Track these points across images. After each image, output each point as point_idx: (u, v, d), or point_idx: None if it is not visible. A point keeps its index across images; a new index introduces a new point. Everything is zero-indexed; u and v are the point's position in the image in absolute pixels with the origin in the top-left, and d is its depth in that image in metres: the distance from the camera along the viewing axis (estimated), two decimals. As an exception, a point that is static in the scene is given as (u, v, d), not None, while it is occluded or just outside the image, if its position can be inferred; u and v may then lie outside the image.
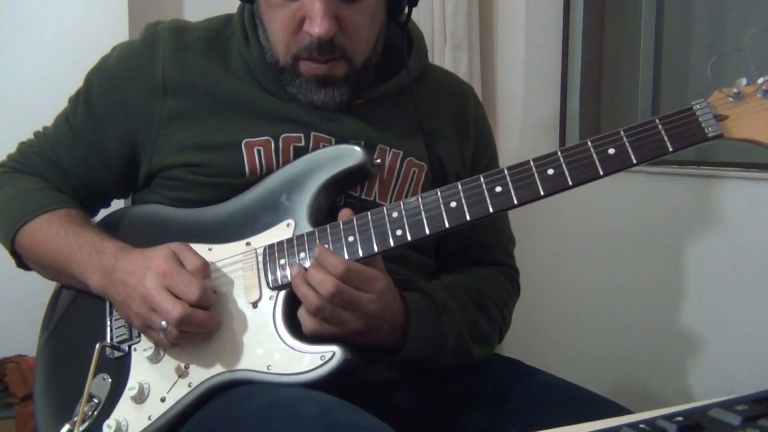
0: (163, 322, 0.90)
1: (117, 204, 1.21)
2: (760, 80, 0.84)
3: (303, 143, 1.03)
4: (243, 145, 1.02)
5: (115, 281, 0.96)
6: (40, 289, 1.16)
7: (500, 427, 1.00)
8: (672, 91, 1.96)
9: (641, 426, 0.56)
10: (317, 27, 0.94)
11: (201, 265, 0.95)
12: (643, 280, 1.75)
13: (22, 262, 1.12)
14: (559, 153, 0.87)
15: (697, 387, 1.61)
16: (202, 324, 0.92)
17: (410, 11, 1.07)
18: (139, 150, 1.07)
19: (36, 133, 1.16)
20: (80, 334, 1.06)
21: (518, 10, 2.06)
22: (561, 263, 1.97)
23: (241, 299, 0.97)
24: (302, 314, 0.93)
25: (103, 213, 1.18)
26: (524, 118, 2.07)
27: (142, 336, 0.99)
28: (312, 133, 1.03)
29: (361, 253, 0.92)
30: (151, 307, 0.92)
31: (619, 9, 2.07)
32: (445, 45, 2.03)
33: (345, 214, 0.95)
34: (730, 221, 1.55)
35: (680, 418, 0.57)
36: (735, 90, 0.85)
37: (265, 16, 1.02)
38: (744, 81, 0.85)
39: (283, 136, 1.03)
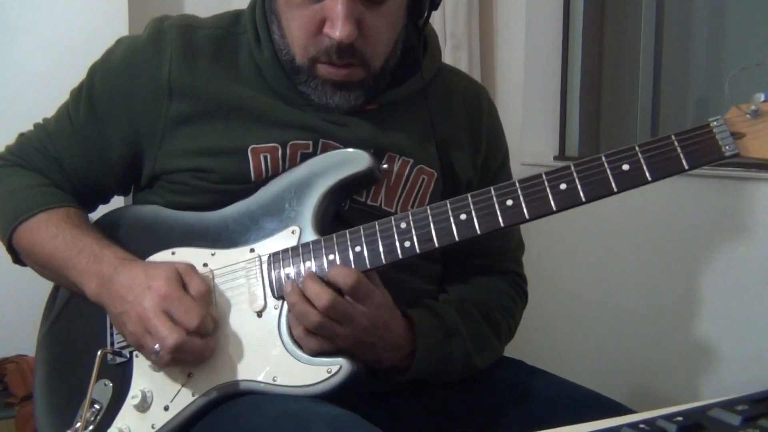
0: (156, 346, 0.88)
1: (115, 201, 1.19)
2: None
3: (311, 150, 1.01)
4: (249, 151, 1.00)
5: (112, 293, 0.94)
6: (40, 289, 1.15)
7: (504, 429, 1.00)
8: (672, 92, 1.96)
9: (641, 426, 0.56)
10: (338, 30, 0.91)
11: (205, 291, 0.93)
12: (644, 280, 1.75)
13: (18, 259, 1.10)
14: (572, 167, 0.86)
15: (698, 387, 1.61)
16: (197, 353, 0.91)
17: (429, 14, 1.04)
18: (142, 151, 1.05)
19: (36, 125, 1.13)
20: (81, 334, 1.05)
21: (518, 10, 2.06)
22: (563, 262, 1.97)
23: (246, 308, 0.95)
24: (299, 334, 0.91)
25: (102, 209, 1.16)
26: (524, 118, 2.07)
27: None
28: (321, 141, 1.01)
29: (368, 264, 0.91)
30: (146, 329, 0.90)
31: (619, 9, 2.07)
32: (445, 45, 2.03)
33: None
34: (733, 221, 1.55)
35: (680, 418, 0.57)
36: (753, 107, 0.82)
37: (282, 15, 0.99)
38: (761, 96, 0.83)
39: (291, 142, 1.00)
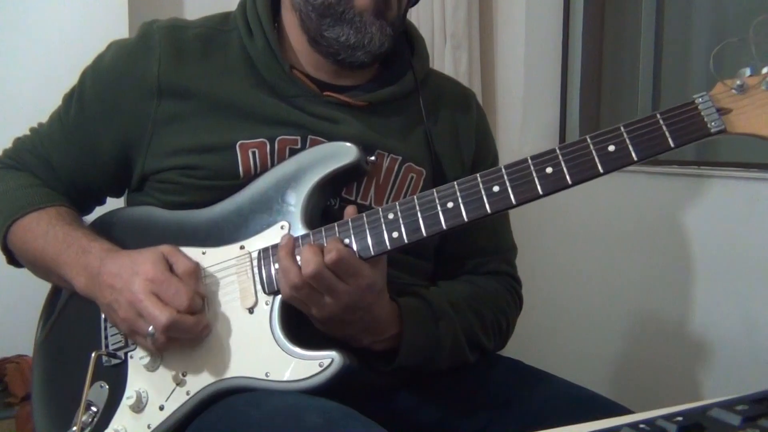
0: (150, 328, 0.89)
1: (112, 202, 1.19)
2: (765, 70, 0.81)
3: (299, 146, 1.01)
4: (237, 146, 1.00)
5: (101, 284, 0.95)
6: (39, 290, 1.15)
7: (501, 428, 1.00)
8: (672, 91, 1.96)
9: (641, 426, 0.56)
10: None
11: (192, 269, 0.94)
12: (642, 279, 1.75)
13: (13, 259, 1.11)
14: (557, 150, 0.85)
15: (698, 387, 1.61)
16: (190, 330, 0.91)
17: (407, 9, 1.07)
18: (132, 153, 1.06)
19: (31, 129, 1.15)
20: (77, 338, 1.05)
21: (518, 10, 2.06)
22: (560, 263, 1.97)
23: (237, 305, 0.95)
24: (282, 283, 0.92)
25: (98, 211, 1.17)
26: (524, 118, 2.07)
27: None
28: (309, 136, 1.02)
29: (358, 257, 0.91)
30: (137, 313, 0.91)
31: (619, 9, 2.07)
32: (445, 45, 2.03)
33: (350, 212, 0.93)
34: (730, 221, 1.55)
35: (680, 418, 0.57)
36: (738, 82, 0.81)
37: None
38: (747, 71, 0.82)
39: (279, 138, 1.01)
